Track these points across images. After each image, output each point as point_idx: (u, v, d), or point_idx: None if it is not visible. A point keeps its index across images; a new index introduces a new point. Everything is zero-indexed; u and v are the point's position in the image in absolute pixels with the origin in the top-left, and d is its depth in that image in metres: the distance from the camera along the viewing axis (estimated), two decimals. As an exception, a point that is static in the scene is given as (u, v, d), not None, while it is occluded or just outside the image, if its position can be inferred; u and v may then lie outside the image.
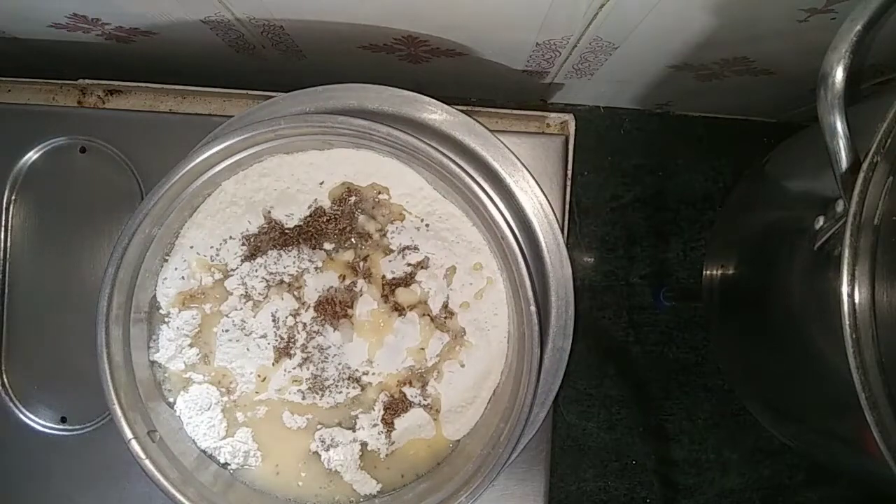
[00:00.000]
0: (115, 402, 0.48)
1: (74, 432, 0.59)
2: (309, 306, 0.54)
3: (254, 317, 0.54)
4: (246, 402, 0.55)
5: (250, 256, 0.55)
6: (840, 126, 0.44)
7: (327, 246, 0.55)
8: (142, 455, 0.48)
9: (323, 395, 0.54)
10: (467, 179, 0.46)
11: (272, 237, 0.54)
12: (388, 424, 0.54)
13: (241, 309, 0.54)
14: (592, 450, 1.00)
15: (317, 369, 0.54)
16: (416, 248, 0.54)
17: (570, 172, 0.60)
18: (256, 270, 0.54)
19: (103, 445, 0.59)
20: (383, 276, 0.54)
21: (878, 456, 0.42)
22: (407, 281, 0.54)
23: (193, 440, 0.54)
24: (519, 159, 0.54)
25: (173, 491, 0.48)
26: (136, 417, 0.49)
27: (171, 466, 0.49)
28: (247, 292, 0.54)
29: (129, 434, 0.48)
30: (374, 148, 0.52)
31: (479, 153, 0.54)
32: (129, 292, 0.50)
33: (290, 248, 0.54)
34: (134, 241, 0.48)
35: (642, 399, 1.01)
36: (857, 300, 0.42)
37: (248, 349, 0.54)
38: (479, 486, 0.47)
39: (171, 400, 0.54)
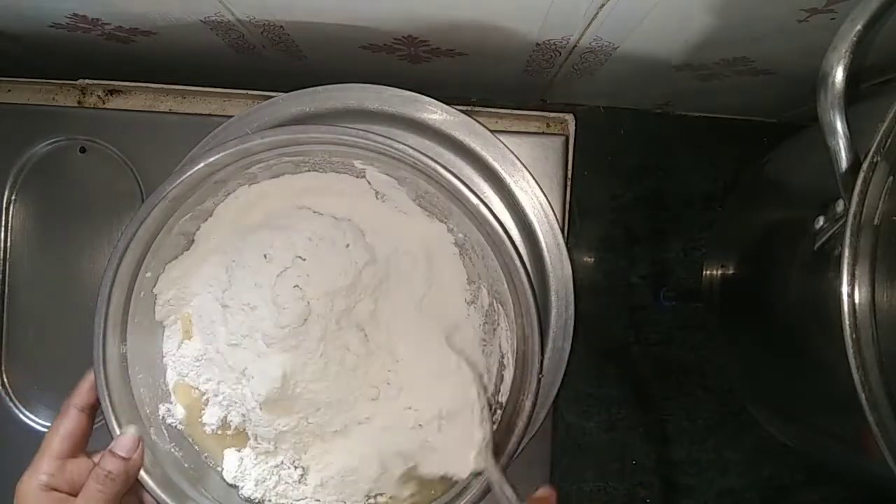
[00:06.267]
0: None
1: (74, 432, 0.59)
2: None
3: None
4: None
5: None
6: (840, 126, 0.44)
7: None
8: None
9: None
10: (460, 185, 0.45)
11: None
12: (389, 424, 0.54)
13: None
14: (592, 450, 1.00)
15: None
16: (416, 249, 0.54)
17: (570, 172, 0.60)
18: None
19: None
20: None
21: (878, 456, 0.41)
22: (407, 281, 0.54)
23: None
24: (519, 159, 0.54)
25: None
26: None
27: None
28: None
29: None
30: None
31: (479, 153, 0.54)
32: (129, 293, 0.50)
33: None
34: (133, 242, 0.48)
35: (642, 399, 1.00)
36: (857, 300, 0.42)
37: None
38: (479, 486, 0.47)
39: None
